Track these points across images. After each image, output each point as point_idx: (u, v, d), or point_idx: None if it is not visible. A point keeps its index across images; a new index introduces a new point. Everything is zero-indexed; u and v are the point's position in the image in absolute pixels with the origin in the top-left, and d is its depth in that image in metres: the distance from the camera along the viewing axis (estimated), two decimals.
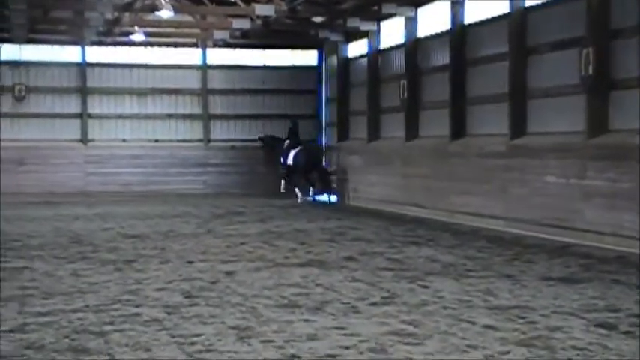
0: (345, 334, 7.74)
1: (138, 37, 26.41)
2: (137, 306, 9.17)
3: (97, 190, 28.11)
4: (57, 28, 27.51)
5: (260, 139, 28.38)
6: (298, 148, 26.50)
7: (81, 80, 28.48)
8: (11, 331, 7.86)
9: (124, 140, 29.00)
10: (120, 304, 9.31)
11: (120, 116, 28.98)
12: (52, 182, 27.83)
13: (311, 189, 26.62)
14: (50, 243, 15.29)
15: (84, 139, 28.65)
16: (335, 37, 26.90)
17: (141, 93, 29.06)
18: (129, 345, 7.36)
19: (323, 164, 27.79)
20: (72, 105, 28.59)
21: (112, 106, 28.93)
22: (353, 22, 24.26)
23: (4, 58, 27.86)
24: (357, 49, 26.80)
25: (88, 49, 28.35)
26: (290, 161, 26.49)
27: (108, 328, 8.03)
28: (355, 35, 26.07)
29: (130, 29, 26.07)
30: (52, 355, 7.03)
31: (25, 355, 7.01)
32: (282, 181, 26.94)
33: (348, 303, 9.31)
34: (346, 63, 27.56)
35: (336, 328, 8.02)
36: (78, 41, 27.89)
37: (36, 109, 28.27)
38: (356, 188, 25.80)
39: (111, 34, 26.38)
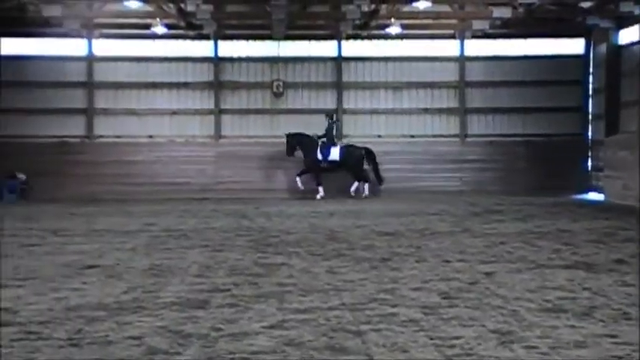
0: (616, 343, 7.09)
1: (394, 29, 26.00)
2: (393, 306, 8.82)
3: None
4: (314, 23, 27.68)
5: (289, 135, 27.32)
6: (339, 145, 27.02)
7: (336, 75, 28.51)
8: (271, 327, 7.80)
9: (378, 136, 28.70)
10: (376, 303, 9.00)
11: (374, 111, 28.77)
12: (308, 179, 28.01)
13: (362, 185, 26.88)
14: (306, 239, 15.28)
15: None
16: (605, 24, 25.34)
17: (396, 87, 28.67)
18: (386, 346, 7.08)
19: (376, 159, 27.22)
20: (327, 100, 28.70)
21: (367, 101, 28.78)
22: (626, 7, 22.78)
23: (263, 54, 28.38)
24: (630, 35, 25.16)
25: (343, 43, 28.33)
26: (336, 157, 26.70)
27: (365, 327, 7.76)
28: (628, 20, 24.44)
29: (386, 22, 25.71)
30: (311, 353, 6.87)
31: (285, 352, 6.89)
32: (299, 179, 26.87)
33: (619, 309, 8.54)
34: (617, 51, 25.86)
35: (607, 335, 7.36)
36: (334, 35, 27.98)
37: (292, 105, 28.63)
38: (626, 185, 24.08)
39: (367, 27, 26.20)
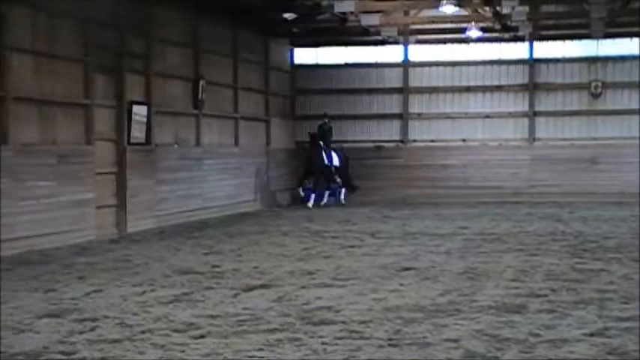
0: None
1: None
2: None
3: None
4: (637, 20, 26.35)
5: (312, 135, 25.96)
6: (333, 148, 26.18)
7: None
8: (592, 334, 7.57)
9: None
10: None
11: None
12: (625, 181, 26.77)
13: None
14: (627, 245, 14.72)
15: None
16: None
17: None
18: None
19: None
20: None
21: None
22: None
23: (581, 54, 27.56)
24: None
25: None
26: (337, 162, 25.97)
27: None
28: None
29: None
30: None
31: None
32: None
33: None
34: None
35: None
36: None
37: (612, 106, 27.48)
38: None
39: None
